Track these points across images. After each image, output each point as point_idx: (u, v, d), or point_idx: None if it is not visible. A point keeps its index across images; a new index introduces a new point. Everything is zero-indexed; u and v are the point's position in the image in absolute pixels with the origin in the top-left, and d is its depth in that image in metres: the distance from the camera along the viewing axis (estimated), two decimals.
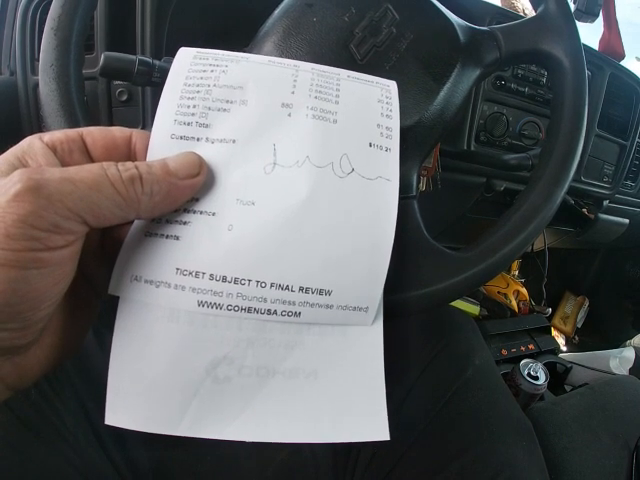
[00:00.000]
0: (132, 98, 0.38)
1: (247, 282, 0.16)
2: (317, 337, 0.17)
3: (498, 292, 0.81)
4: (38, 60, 0.23)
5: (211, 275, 0.16)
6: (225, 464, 0.33)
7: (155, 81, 0.26)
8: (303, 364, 0.17)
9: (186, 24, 0.38)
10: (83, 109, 0.23)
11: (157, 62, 0.26)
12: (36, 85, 0.40)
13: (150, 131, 0.17)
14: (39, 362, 0.16)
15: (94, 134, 0.16)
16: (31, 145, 0.15)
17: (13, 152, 0.15)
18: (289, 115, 0.18)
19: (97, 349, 0.31)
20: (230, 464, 0.33)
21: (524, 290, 0.84)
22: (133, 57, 0.25)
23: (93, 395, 0.29)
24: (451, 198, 0.55)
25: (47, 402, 0.28)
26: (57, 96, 0.22)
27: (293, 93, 0.19)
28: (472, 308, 0.78)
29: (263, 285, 0.16)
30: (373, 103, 0.20)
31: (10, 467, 0.25)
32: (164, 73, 0.19)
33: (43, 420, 0.27)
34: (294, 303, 0.16)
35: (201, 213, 0.16)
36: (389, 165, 0.19)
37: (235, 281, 0.16)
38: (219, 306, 0.16)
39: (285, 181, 0.17)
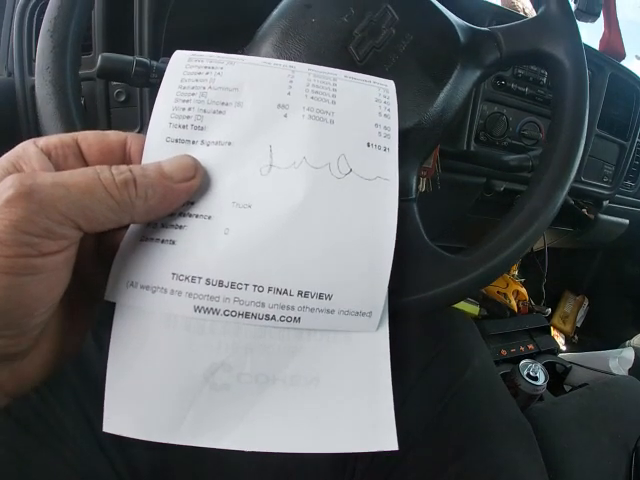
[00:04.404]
0: (130, 99, 0.38)
1: (244, 286, 0.16)
2: (318, 343, 0.17)
3: (498, 292, 0.81)
4: (35, 61, 0.23)
5: (207, 280, 0.16)
6: (225, 466, 0.33)
7: (153, 82, 0.26)
8: (304, 371, 0.17)
9: (184, 25, 0.37)
10: (80, 112, 0.22)
11: (155, 63, 0.26)
12: (34, 86, 0.40)
13: (146, 134, 0.17)
14: (37, 369, 0.15)
15: (89, 138, 0.16)
16: (25, 150, 0.15)
17: (7, 157, 0.15)
18: (285, 116, 0.18)
19: (96, 352, 0.31)
20: (230, 466, 0.33)
21: (523, 290, 0.83)
22: (130, 58, 0.25)
23: (93, 398, 0.29)
24: (451, 199, 0.54)
25: (47, 405, 0.27)
26: (53, 99, 0.22)
27: (289, 94, 0.18)
28: (472, 308, 0.78)
29: (261, 289, 0.16)
30: (371, 102, 0.19)
31: (10, 471, 0.25)
32: (162, 74, 0.18)
33: (43, 424, 0.27)
34: (293, 308, 0.16)
35: (197, 217, 0.16)
36: (388, 165, 0.18)
37: (232, 285, 0.16)
38: (216, 311, 0.16)
39: (282, 183, 0.17)
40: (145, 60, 0.25)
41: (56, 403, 0.28)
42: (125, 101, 0.38)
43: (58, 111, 0.21)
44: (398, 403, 0.35)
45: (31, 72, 0.40)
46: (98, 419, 0.15)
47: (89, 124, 0.22)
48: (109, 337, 0.16)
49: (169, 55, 0.19)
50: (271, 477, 0.33)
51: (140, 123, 0.38)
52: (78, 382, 0.30)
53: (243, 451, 0.16)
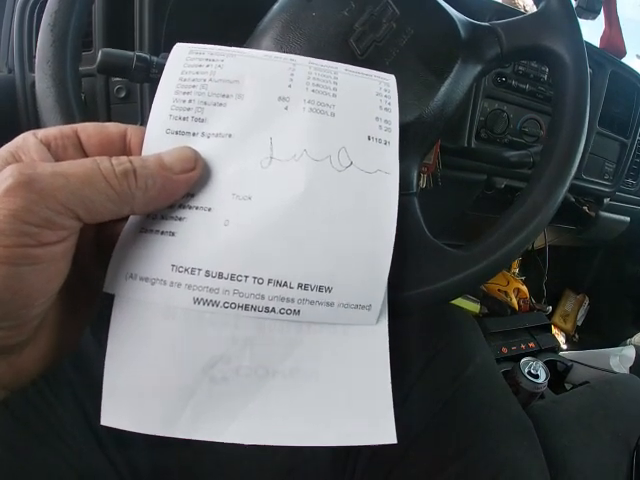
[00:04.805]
0: (130, 95, 0.38)
1: (244, 278, 0.16)
2: (318, 336, 0.17)
3: (498, 290, 0.81)
4: (35, 57, 0.23)
5: (207, 271, 0.16)
6: (224, 464, 0.33)
7: (153, 77, 0.26)
8: (304, 364, 0.17)
9: (184, 20, 0.37)
10: (79, 105, 0.22)
11: (155, 58, 0.26)
12: (34, 83, 0.40)
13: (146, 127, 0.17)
14: (35, 361, 0.15)
15: (89, 130, 0.16)
16: (25, 141, 0.15)
17: (7, 148, 0.15)
18: (286, 109, 0.18)
19: (95, 348, 0.31)
20: (229, 464, 0.33)
21: (524, 288, 0.83)
22: (131, 53, 0.25)
23: (92, 395, 0.29)
24: (451, 195, 0.54)
25: (45, 402, 0.27)
26: (53, 92, 0.22)
27: (290, 86, 0.18)
28: (472, 306, 0.78)
29: (260, 281, 0.16)
30: (371, 96, 0.19)
31: (9, 469, 0.25)
32: (162, 69, 0.18)
33: (42, 421, 0.27)
34: (293, 300, 0.16)
35: (197, 209, 0.16)
36: (388, 158, 0.18)
37: (232, 277, 0.16)
38: (215, 303, 0.16)
39: (282, 175, 0.17)
40: (145, 55, 0.25)
41: (55, 401, 0.28)
42: (125, 97, 0.38)
43: (58, 104, 0.21)
44: (399, 400, 0.35)
45: (31, 69, 0.40)
46: (97, 417, 0.15)
47: (88, 119, 0.22)
48: (108, 333, 0.16)
49: (169, 51, 0.19)
50: (271, 477, 0.33)
51: (140, 119, 0.38)
52: (77, 380, 0.30)
53: (242, 445, 0.16)
